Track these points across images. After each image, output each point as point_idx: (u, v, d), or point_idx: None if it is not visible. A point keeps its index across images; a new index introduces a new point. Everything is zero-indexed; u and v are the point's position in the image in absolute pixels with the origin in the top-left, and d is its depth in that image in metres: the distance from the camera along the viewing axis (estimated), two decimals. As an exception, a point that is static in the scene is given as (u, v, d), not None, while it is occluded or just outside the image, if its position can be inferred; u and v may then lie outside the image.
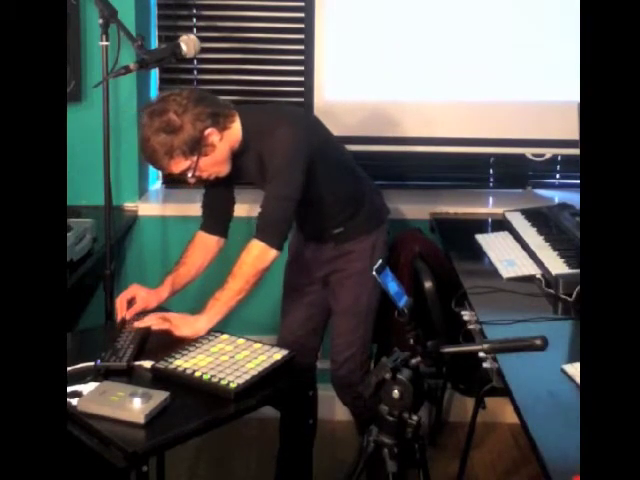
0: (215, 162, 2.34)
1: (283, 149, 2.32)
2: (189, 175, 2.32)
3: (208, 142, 2.29)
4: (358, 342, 2.61)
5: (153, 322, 2.31)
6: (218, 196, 2.57)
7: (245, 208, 3.06)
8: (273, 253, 2.31)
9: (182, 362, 2.09)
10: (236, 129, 2.36)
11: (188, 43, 2.48)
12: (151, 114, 2.26)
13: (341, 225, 2.57)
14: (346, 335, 2.62)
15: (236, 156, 2.39)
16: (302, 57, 3.24)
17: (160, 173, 3.39)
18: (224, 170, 2.39)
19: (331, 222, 2.57)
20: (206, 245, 2.55)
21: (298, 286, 2.70)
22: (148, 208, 3.19)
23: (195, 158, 2.28)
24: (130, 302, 2.42)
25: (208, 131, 2.28)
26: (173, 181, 3.36)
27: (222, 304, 2.31)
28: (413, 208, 3.19)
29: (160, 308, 2.47)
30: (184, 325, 2.29)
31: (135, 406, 1.86)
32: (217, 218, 2.58)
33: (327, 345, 2.81)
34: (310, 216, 2.56)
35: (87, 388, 1.96)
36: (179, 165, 2.29)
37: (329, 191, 2.49)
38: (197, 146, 2.27)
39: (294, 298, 2.71)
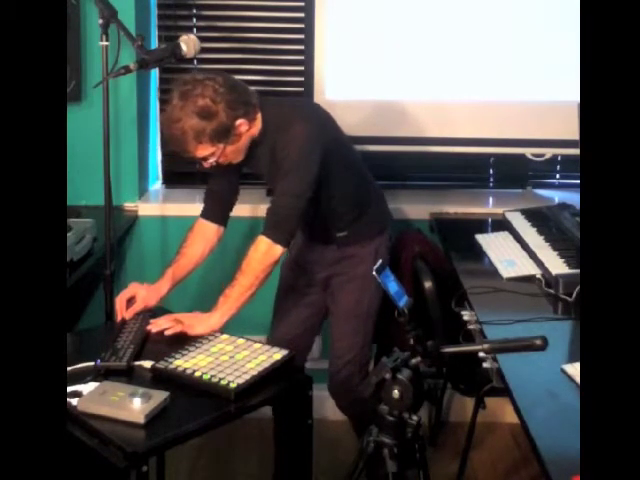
0: (237, 150, 2.36)
1: (298, 145, 2.32)
2: (210, 161, 2.33)
3: (237, 132, 2.30)
4: (358, 346, 2.60)
5: (165, 326, 2.30)
6: (224, 183, 2.57)
7: (247, 208, 3.06)
8: (279, 249, 2.32)
9: (182, 362, 2.09)
10: (259, 120, 2.37)
11: (188, 43, 2.48)
12: (185, 95, 2.24)
13: (345, 229, 2.56)
14: (346, 339, 2.61)
15: (251, 146, 2.40)
16: (302, 57, 3.24)
17: (160, 173, 3.40)
18: (240, 158, 2.40)
19: (336, 224, 2.56)
20: (206, 233, 2.55)
21: (296, 286, 2.69)
22: (148, 208, 3.19)
23: (222, 146, 2.29)
24: (130, 301, 2.43)
25: (239, 121, 2.29)
26: (173, 181, 3.38)
27: (233, 300, 2.31)
28: (413, 208, 3.19)
29: (161, 310, 2.47)
30: (198, 324, 2.29)
31: (135, 406, 1.86)
32: (220, 205, 2.57)
33: (327, 346, 2.81)
34: (315, 216, 2.55)
35: (87, 388, 1.96)
36: (204, 151, 2.29)
37: (336, 191, 2.48)
38: (227, 135, 2.28)
39: (291, 298, 2.69)
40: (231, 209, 2.61)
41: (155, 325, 2.31)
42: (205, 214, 2.57)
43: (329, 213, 2.53)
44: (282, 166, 2.34)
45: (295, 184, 2.33)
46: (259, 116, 2.37)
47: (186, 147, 2.29)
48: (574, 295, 2.24)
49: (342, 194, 2.51)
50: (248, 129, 2.32)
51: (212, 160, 2.32)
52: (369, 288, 2.52)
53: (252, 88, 2.43)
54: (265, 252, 2.31)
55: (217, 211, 2.57)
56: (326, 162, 2.37)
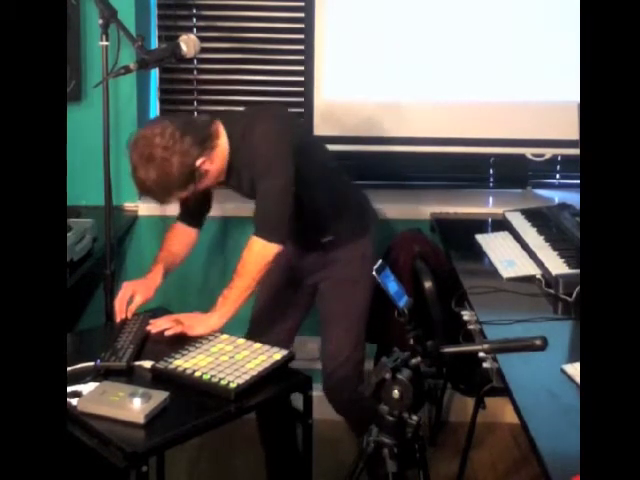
0: (212, 178, 2.35)
1: (266, 143, 2.31)
2: (193, 192, 2.32)
3: (201, 171, 2.27)
4: (350, 348, 2.57)
5: (165, 326, 2.30)
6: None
7: (249, 208, 3.05)
8: (274, 248, 2.31)
9: (182, 362, 2.09)
10: (223, 143, 2.34)
11: (188, 43, 2.48)
12: (140, 158, 2.21)
13: (330, 232, 2.54)
14: (337, 341, 2.58)
15: (229, 167, 2.38)
16: (302, 57, 3.24)
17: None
18: (221, 177, 2.40)
19: (318, 228, 2.54)
20: (186, 234, 2.57)
21: (280, 287, 2.65)
22: (148, 208, 3.18)
23: (192, 187, 2.28)
24: (128, 301, 2.43)
25: (199, 162, 2.25)
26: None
27: (232, 301, 2.31)
28: (413, 208, 3.19)
29: (161, 310, 2.47)
30: (198, 324, 2.29)
31: (135, 406, 1.86)
32: (195, 209, 2.57)
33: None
34: (298, 219, 2.54)
35: (87, 388, 1.96)
36: (178, 197, 2.32)
37: (312, 192, 2.45)
38: (191, 178, 2.25)
39: (274, 299, 2.65)
40: (207, 213, 2.61)
41: (155, 326, 2.31)
42: (183, 218, 2.57)
43: (309, 215, 2.49)
44: (257, 168, 2.32)
45: (274, 181, 2.31)
46: (221, 141, 2.33)
47: (161, 200, 2.30)
48: (574, 295, 2.24)
49: (319, 194, 2.48)
50: (211, 162, 2.29)
51: (192, 196, 2.34)
52: (357, 291, 2.51)
53: (204, 117, 2.43)
54: (259, 252, 2.31)
55: (193, 216, 2.58)
56: (299, 162, 2.34)
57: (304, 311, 2.71)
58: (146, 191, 2.27)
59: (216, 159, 2.32)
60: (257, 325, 2.64)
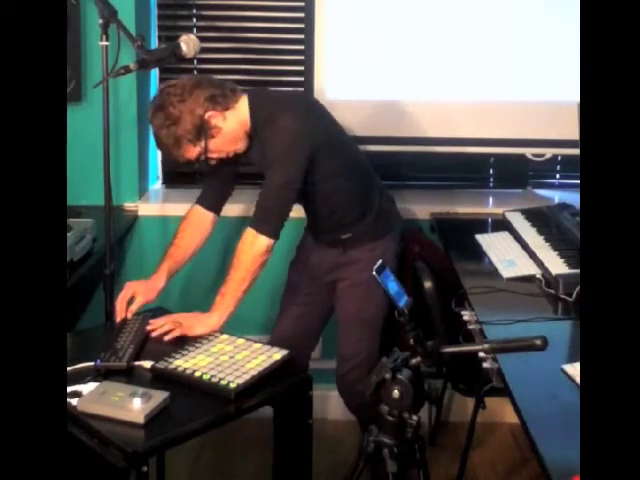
0: (226, 141, 2.38)
1: (282, 138, 2.33)
2: (203, 159, 2.37)
3: (211, 125, 2.32)
4: (364, 352, 2.58)
5: (166, 328, 2.30)
6: (223, 172, 2.57)
7: (246, 208, 3.06)
8: (264, 240, 2.31)
9: (182, 362, 2.09)
10: (241, 109, 2.38)
11: (188, 43, 2.48)
12: (154, 110, 2.34)
13: (349, 230, 2.55)
14: (352, 345, 2.60)
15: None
16: (302, 57, 3.24)
17: (160, 173, 3.40)
18: (241, 146, 2.42)
19: (338, 224, 2.55)
20: (201, 222, 2.57)
21: (299, 286, 2.68)
22: (148, 208, 3.19)
23: (203, 143, 2.33)
24: (129, 301, 2.42)
25: (208, 114, 2.31)
26: (173, 181, 3.38)
27: (229, 297, 2.31)
28: (413, 208, 3.19)
29: (161, 310, 2.47)
30: (197, 324, 2.30)
31: (135, 406, 1.86)
32: (217, 193, 2.59)
33: (330, 347, 2.80)
34: (317, 214, 2.54)
35: (87, 388, 1.96)
36: (190, 152, 2.35)
37: (336, 188, 2.47)
38: (201, 131, 2.31)
39: (293, 297, 2.69)
40: (227, 199, 2.62)
41: (154, 326, 2.31)
42: (202, 201, 2.58)
43: (330, 211, 2.52)
44: (267, 158, 2.35)
45: (279, 176, 2.33)
46: (240, 106, 2.38)
47: (174, 155, 2.37)
48: (574, 295, 2.24)
49: (342, 191, 2.50)
50: (224, 119, 2.34)
51: (204, 158, 2.36)
52: (375, 294, 2.51)
53: (231, 80, 2.51)
54: (251, 243, 2.32)
55: (214, 199, 2.59)
56: (321, 156, 2.37)
57: (327, 311, 2.70)
58: (159, 143, 2.36)
59: (230, 119, 2.36)
60: (282, 326, 2.66)
